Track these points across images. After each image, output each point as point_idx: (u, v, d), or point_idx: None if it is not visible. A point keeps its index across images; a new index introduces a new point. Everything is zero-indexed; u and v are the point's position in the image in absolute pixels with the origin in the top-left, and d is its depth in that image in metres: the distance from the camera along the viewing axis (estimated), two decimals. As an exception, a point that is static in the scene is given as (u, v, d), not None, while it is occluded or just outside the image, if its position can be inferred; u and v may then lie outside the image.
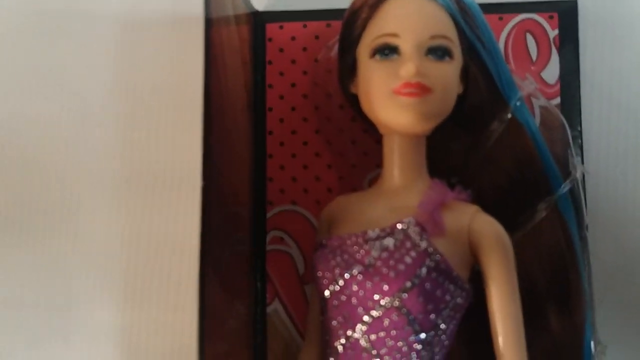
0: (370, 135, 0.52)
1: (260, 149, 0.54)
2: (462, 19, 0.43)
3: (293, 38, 0.54)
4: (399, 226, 0.41)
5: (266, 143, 0.54)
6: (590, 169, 0.52)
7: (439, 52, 0.42)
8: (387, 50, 0.42)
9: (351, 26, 0.45)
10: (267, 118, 0.54)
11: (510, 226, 0.43)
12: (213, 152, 0.42)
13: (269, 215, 0.53)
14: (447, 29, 0.42)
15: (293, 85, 0.54)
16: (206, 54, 0.41)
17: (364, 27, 0.44)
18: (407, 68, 0.40)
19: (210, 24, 0.41)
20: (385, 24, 0.43)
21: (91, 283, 0.55)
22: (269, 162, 0.54)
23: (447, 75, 0.42)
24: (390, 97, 0.41)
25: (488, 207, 0.44)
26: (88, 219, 0.56)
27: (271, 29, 0.54)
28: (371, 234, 0.41)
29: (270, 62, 0.54)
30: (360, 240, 0.42)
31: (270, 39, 0.54)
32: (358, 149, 0.53)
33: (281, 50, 0.54)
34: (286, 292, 0.53)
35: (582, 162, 0.51)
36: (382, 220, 0.42)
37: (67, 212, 0.56)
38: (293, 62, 0.54)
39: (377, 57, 0.42)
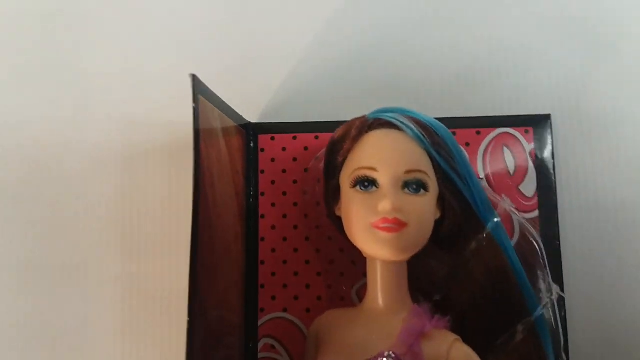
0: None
1: (252, 255, 0.56)
2: (436, 152, 0.45)
3: (284, 149, 0.57)
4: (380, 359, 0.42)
5: (259, 249, 0.56)
6: (569, 282, 0.53)
7: (414, 186, 0.44)
8: (366, 183, 0.45)
9: (335, 154, 0.48)
10: (259, 225, 0.56)
11: (490, 348, 0.45)
12: (198, 267, 0.44)
13: (260, 322, 0.55)
14: (421, 163, 0.45)
15: (284, 193, 0.56)
16: (195, 176, 0.43)
17: (345, 157, 0.47)
18: (384, 205, 0.43)
19: (199, 149, 0.44)
20: (365, 157, 0.45)
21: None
22: (261, 269, 0.55)
23: (423, 208, 0.44)
24: (369, 230, 0.44)
25: (469, 328, 0.45)
26: (93, 341, 0.58)
27: (263, 139, 0.57)
28: (354, 365, 0.43)
29: (262, 171, 0.57)
30: (344, 371, 0.43)
31: (262, 149, 0.57)
32: (346, 257, 0.55)
33: (273, 160, 0.57)
34: (277, 400, 0.53)
35: (562, 275, 0.52)
36: (365, 348, 0.43)
37: (74, 336, 0.58)
38: (284, 171, 0.57)
39: (358, 187, 0.45)
